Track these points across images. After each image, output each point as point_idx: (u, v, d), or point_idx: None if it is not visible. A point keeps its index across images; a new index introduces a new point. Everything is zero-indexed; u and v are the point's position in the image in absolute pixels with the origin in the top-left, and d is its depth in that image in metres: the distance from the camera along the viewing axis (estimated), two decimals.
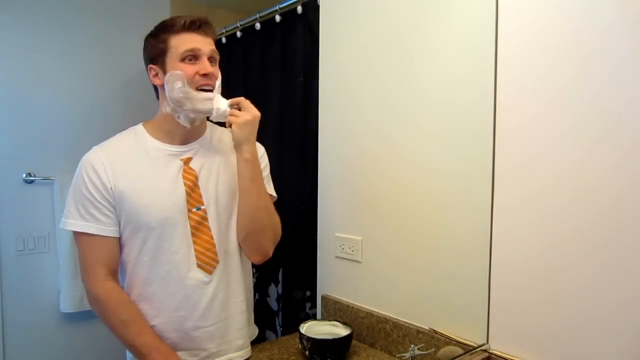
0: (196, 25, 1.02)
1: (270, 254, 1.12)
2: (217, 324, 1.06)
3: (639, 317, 0.87)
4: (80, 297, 1.83)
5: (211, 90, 1.02)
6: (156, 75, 1.04)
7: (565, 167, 0.96)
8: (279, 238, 1.13)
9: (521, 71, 1.03)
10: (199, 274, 1.03)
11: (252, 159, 1.03)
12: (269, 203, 1.09)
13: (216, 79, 1.03)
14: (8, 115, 1.78)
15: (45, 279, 1.86)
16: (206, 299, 1.04)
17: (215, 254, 1.05)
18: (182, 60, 1.00)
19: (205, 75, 1.01)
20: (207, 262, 1.04)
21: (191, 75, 1.00)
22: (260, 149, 1.14)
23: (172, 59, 1.01)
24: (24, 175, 1.82)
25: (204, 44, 1.02)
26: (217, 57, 1.06)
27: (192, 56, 1.01)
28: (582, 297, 0.94)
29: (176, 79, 1.00)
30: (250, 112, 1.01)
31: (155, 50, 1.03)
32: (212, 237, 1.05)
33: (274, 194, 1.17)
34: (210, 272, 1.04)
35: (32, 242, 1.84)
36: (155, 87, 1.07)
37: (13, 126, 1.79)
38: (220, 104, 1.02)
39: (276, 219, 1.11)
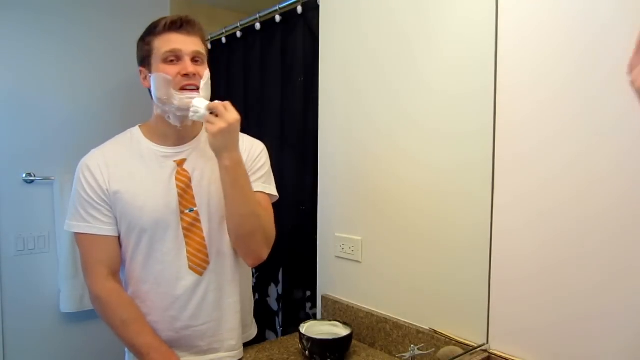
0: (177, 25, 1.00)
1: (264, 256, 1.08)
2: (208, 324, 1.06)
3: (639, 315, 0.87)
4: (80, 297, 1.83)
5: (196, 90, 1.00)
6: (145, 77, 1.04)
7: (566, 163, 0.96)
8: (272, 241, 1.08)
9: (520, 66, 1.03)
10: (189, 276, 1.04)
11: (232, 166, 0.97)
12: (256, 208, 1.03)
13: (200, 78, 1.00)
14: (8, 116, 1.78)
15: (45, 279, 1.86)
16: (196, 299, 1.05)
17: (207, 255, 1.05)
18: (164, 61, 0.99)
19: (186, 75, 0.99)
20: (198, 264, 1.04)
21: (173, 76, 0.99)
22: (258, 148, 1.14)
23: (155, 60, 1.01)
24: (24, 175, 1.82)
25: (186, 44, 1.00)
26: (203, 56, 1.03)
27: (174, 57, 0.99)
28: (582, 296, 0.94)
29: (158, 80, 0.99)
30: (225, 119, 0.93)
31: (141, 52, 1.04)
32: (203, 239, 1.05)
33: (275, 194, 1.14)
34: (200, 274, 1.05)
35: (32, 242, 1.84)
36: (149, 89, 1.07)
37: (13, 126, 1.79)
38: (198, 106, 0.97)
39: (267, 222, 1.06)
